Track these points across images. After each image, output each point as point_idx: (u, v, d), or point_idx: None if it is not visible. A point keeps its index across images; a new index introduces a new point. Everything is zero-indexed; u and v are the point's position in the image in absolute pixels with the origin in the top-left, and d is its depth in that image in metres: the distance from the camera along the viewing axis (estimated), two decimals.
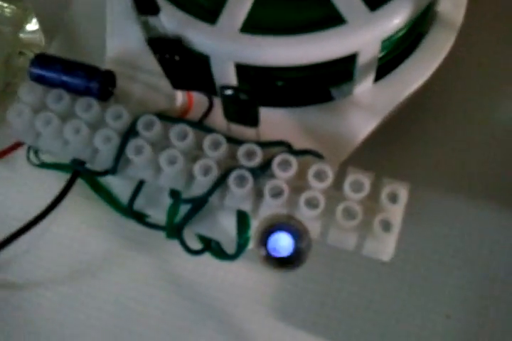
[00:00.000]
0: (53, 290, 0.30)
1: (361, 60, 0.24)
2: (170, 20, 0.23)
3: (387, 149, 0.30)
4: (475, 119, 0.31)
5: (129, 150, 0.24)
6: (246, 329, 0.28)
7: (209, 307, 0.29)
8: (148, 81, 0.27)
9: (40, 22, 0.33)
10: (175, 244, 0.26)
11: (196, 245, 0.26)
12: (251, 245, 0.24)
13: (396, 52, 0.26)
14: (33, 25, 0.32)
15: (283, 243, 0.20)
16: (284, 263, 0.20)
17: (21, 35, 0.32)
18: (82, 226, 0.31)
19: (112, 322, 0.29)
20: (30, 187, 0.32)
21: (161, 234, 0.26)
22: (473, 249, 0.28)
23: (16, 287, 0.30)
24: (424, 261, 0.28)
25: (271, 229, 0.20)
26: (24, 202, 0.31)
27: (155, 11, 0.22)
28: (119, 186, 0.26)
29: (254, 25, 0.23)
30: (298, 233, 0.20)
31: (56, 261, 0.30)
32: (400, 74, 0.26)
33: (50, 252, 0.30)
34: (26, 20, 0.32)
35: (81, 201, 0.31)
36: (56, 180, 0.31)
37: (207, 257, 0.26)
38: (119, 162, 0.24)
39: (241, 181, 0.23)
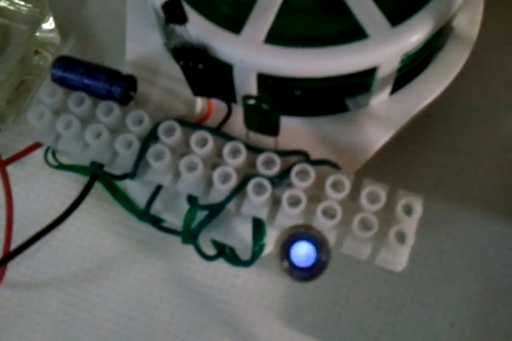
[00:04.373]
0: (62, 290, 0.30)
1: (380, 74, 0.25)
2: (196, 30, 0.24)
3: (397, 160, 0.30)
4: (488, 132, 0.31)
5: (150, 156, 0.24)
6: (255, 334, 0.28)
7: (218, 312, 0.29)
8: (167, 86, 0.27)
9: (56, 21, 0.33)
10: (185, 248, 0.26)
11: (209, 250, 0.26)
12: (265, 252, 0.25)
13: (412, 66, 0.27)
14: (49, 25, 0.32)
15: (304, 253, 0.20)
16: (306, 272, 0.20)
17: (37, 33, 0.32)
18: (92, 227, 0.31)
19: (121, 324, 0.29)
20: (44, 188, 0.31)
21: (172, 238, 0.26)
22: (478, 261, 0.29)
23: (25, 287, 0.30)
24: (430, 270, 0.29)
25: (292, 239, 0.21)
26: (38, 204, 0.31)
27: (183, 20, 0.22)
28: (136, 190, 0.26)
29: (277, 37, 0.24)
30: (318, 243, 0.21)
31: (66, 261, 0.30)
32: (415, 87, 0.27)
33: (60, 253, 0.30)
34: (43, 19, 0.32)
35: (92, 203, 0.31)
36: (70, 182, 0.31)
37: (217, 262, 0.26)
38: (138, 166, 0.24)
39: (259, 189, 0.24)
